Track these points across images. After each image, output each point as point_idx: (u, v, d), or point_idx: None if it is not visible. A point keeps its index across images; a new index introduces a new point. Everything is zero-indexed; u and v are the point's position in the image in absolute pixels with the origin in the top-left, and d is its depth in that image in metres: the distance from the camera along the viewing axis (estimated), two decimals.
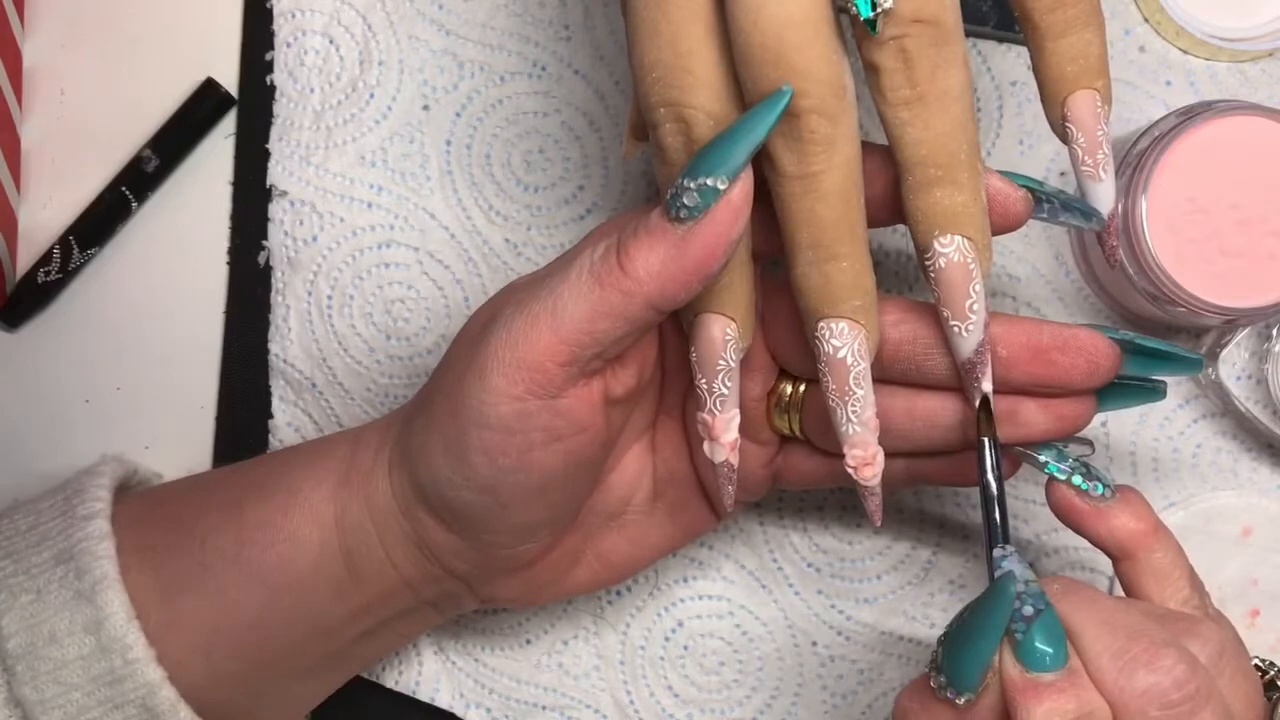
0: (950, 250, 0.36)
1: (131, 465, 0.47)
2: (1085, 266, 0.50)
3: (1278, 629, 0.49)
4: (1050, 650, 0.34)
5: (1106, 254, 0.40)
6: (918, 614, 0.51)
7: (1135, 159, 0.45)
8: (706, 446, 0.39)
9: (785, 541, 0.51)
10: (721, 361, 0.38)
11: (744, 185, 0.35)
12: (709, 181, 0.34)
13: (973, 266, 0.36)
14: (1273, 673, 0.40)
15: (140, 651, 0.39)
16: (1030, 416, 0.39)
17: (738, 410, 0.39)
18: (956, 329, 0.37)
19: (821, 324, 0.36)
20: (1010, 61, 0.50)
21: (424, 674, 0.53)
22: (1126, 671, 0.34)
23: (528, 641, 0.52)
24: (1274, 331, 0.48)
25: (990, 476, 0.38)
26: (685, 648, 0.52)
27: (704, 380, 0.38)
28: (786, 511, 0.51)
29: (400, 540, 0.41)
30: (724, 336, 0.38)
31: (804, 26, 0.33)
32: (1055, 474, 0.40)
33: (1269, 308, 0.45)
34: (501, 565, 0.42)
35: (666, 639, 0.52)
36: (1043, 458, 0.40)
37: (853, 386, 0.37)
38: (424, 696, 0.53)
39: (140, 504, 0.43)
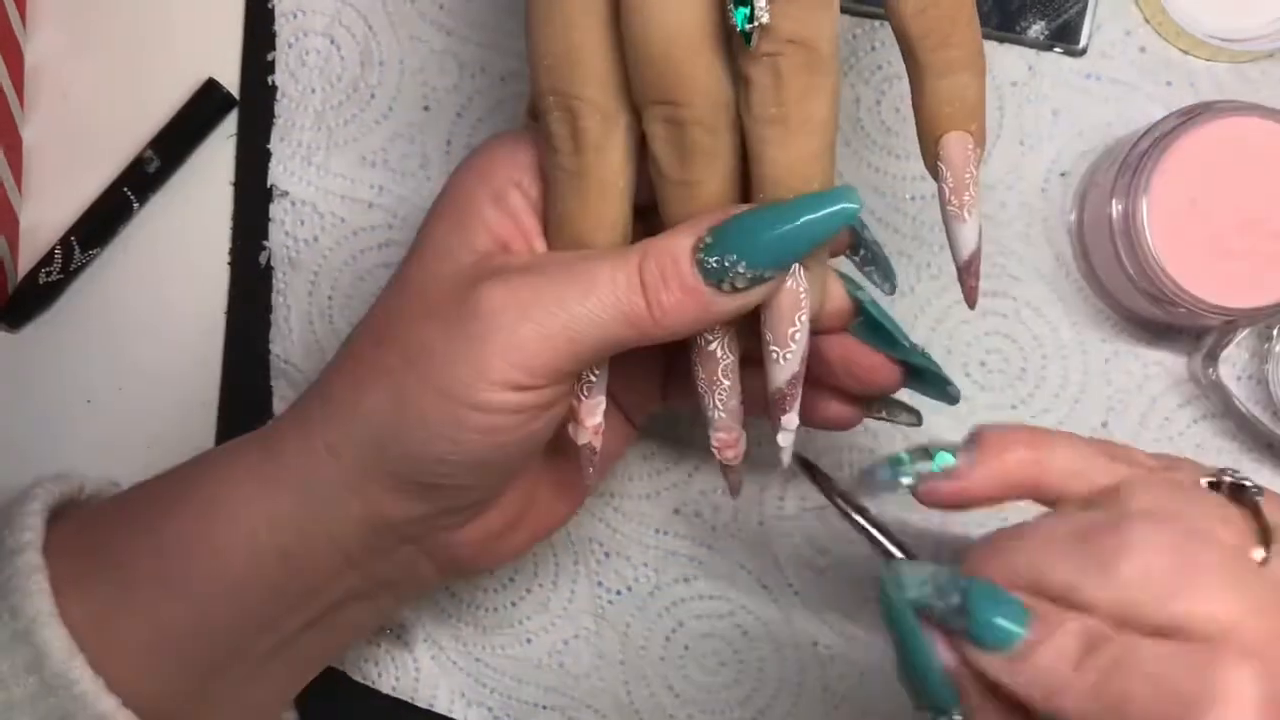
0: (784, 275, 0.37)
1: (78, 481, 0.46)
2: (1085, 266, 0.50)
3: None
4: (1004, 619, 0.33)
5: (965, 294, 0.39)
6: None
7: (1135, 159, 0.45)
8: (571, 428, 0.40)
9: (785, 541, 0.51)
10: None
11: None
12: (765, 274, 0.36)
13: (803, 297, 0.37)
14: (1229, 478, 0.36)
15: (87, 685, 0.39)
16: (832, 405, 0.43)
17: (604, 396, 0.40)
18: (775, 354, 0.37)
19: None
20: (1010, 61, 0.50)
21: (422, 677, 0.53)
22: (1105, 573, 0.32)
23: (528, 641, 0.52)
24: (1274, 331, 0.48)
25: (857, 518, 0.38)
26: (685, 648, 0.52)
27: None
28: (786, 511, 0.51)
29: (347, 522, 0.40)
30: None
31: (692, 39, 0.34)
32: (905, 482, 0.39)
33: (1269, 308, 0.45)
34: (460, 522, 0.41)
35: (666, 639, 0.52)
36: (882, 476, 0.39)
37: (720, 378, 0.38)
38: (422, 700, 0.53)
39: (70, 529, 0.42)
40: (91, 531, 0.42)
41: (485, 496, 0.41)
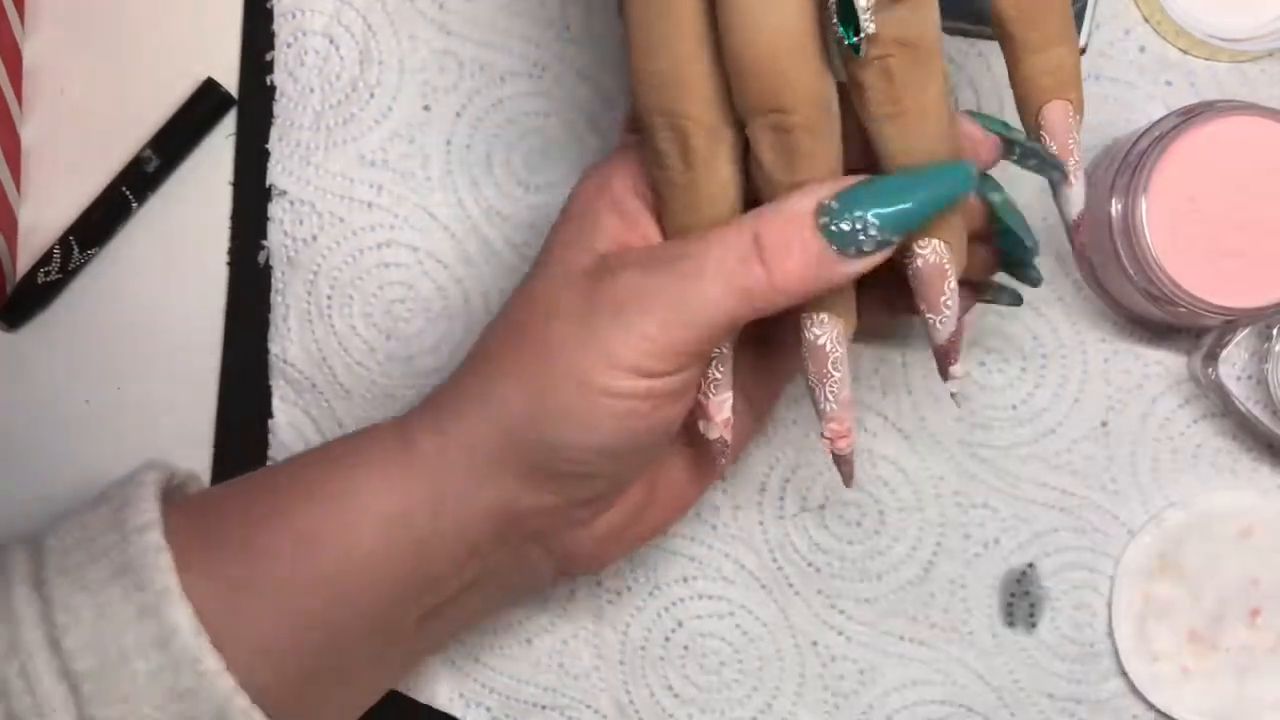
0: (927, 252, 0.38)
1: (169, 468, 0.46)
2: (1085, 267, 0.50)
3: (1277, 629, 0.49)
4: None
5: (1076, 249, 0.42)
6: (918, 614, 0.51)
7: (1135, 159, 0.45)
8: (701, 425, 0.41)
9: (785, 541, 0.51)
10: (719, 350, 0.41)
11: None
12: (892, 238, 0.37)
13: (948, 267, 0.38)
14: None
15: (211, 663, 0.39)
16: None
17: (730, 392, 0.41)
18: (931, 320, 0.39)
19: (805, 315, 0.39)
20: None
21: (421, 677, 0.53)
22: None
23: (528, 641, 0.52)
24: (1274, 331, 0.48)
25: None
26: (685, 648, 0.52)
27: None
28: (787, 511, 0.51)
29: (475, 513, 0.41)
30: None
31: (793, 46, 0.35)
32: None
33: (1269, 308, 0.45)
34: (585, 517, 0.43)
35: (666, 639, 0.52)
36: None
37: (831, 370, 0.39)
38: (422, 697, 0.53)
39: (187, 513, 0.43)
40: (212, 514, 0.43)
41: (612, 488, 0.42)
